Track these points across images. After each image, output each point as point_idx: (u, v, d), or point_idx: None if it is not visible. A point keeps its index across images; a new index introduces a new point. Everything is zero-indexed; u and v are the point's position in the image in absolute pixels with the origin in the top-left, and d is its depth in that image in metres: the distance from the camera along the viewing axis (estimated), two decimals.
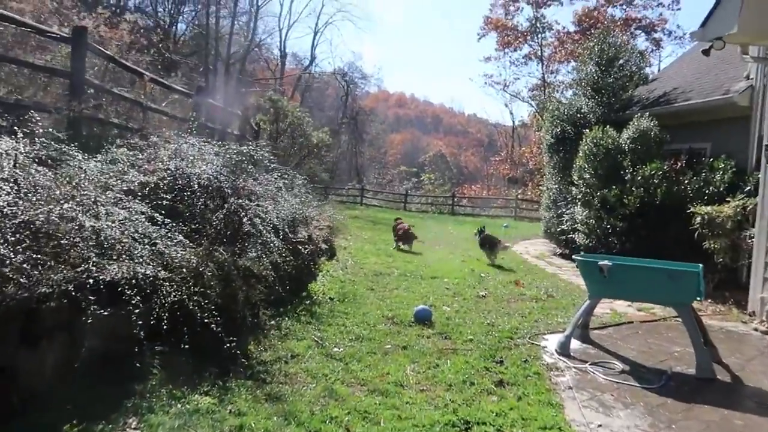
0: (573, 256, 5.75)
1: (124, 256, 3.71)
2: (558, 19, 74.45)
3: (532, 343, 5.30)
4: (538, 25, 41.69)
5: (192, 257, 4.25)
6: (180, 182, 5.24)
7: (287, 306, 5.86)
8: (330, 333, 5.26)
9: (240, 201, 5.48)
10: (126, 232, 3.82)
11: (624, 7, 39.45)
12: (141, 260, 3.74)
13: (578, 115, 12.41)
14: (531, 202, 31.43)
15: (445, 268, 9.64)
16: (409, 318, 5.98)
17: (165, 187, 5.09)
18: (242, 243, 5.23)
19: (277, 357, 4.46)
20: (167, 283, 3.72)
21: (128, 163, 5.27)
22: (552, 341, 5.36)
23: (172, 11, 34.94)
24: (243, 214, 5.32)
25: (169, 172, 5.29)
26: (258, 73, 43.98)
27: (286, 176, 8.86)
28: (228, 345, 3.87)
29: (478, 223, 21.29)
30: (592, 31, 22.44)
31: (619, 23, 37.33)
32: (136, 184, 4.97)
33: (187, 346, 3.75)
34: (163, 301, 3.64)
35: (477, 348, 5.04)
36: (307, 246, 7.14)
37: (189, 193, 5.18)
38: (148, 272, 3.72)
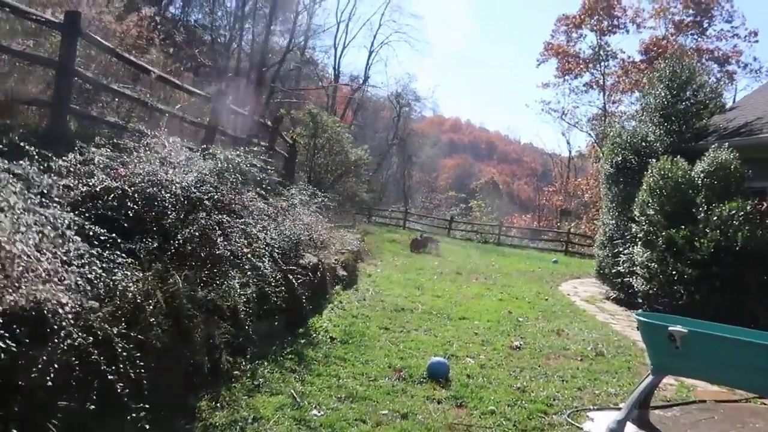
0: (634, 315, 4.52)
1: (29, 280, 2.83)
2: (623, 48, 72.22)
3: (573, 424, 4.08)
4: (601, 52, 40.08)
5: (130, 285, 3.32)
6: (151, 190, 4.38)
7: (274, 346, 4.86)
8: (316, 387, 4.22)
9: (220, 217, 4.56)
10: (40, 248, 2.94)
11: (696, 37, 37.38)
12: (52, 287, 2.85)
13: (643, 144, 11.05)
14: (584, 237, 29.59)
15: (479, 306, 8.44)
16: (422, 371, 4.87)
17: (135, 195, 4.24)
18: (214, 268, 4.29)
19: (233, 420, 3.46)
20: (72, 320, 2.78)
21: (101, 165, 4.47)
22: (599, 422, 4.12)
23: (232, 26, 35.42)
24: (219, 232, 4.38)
25: (140, 177, 4.45)
26: (311, 92, 44.04)
27: (303, 192, 8.00)
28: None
29: (525, 256, 19.88)
30: (660, 61, 20.92)
31: (689, 53, 35.24)
32: (98, 189, 4.15)
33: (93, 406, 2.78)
34: (61, 344, 2.70)
35: (498, 426, 3.88)
36: (311, 274, 6.17)
37: (157, 203, 4.30)
38: (64, 301, 2.83)
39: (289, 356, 4.75)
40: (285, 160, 13.92)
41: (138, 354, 2.99)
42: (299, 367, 4.60)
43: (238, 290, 4.22)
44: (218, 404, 3.62)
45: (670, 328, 3.60)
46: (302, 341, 5.26)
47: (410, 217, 31.71)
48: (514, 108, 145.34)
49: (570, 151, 46.63)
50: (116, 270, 3.34)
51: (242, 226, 4.91)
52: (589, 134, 41.50)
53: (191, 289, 3.79)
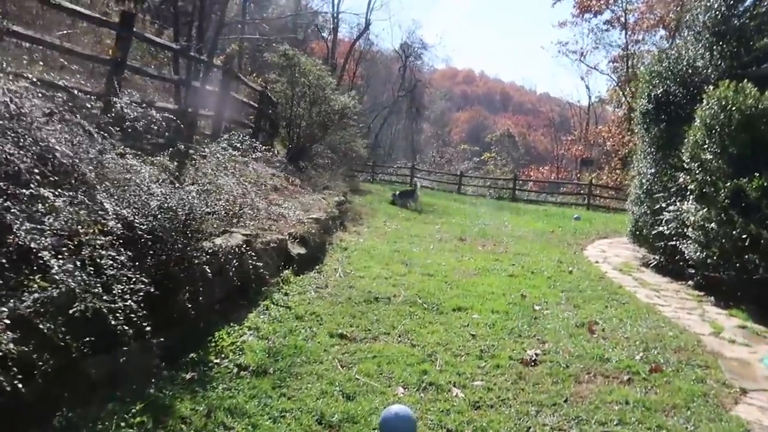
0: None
1: None
2: None
3: None
4: None
5: None
6: None
7: (112, 402, 2.91)
8: None
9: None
10: None
11: None
12: None
13: (689, 71, 8.71)
14: (608, 188, 27.24)
15: (481, 288, 6.42)
16: (373, 428, 2.92)
17: None
18: None
19: None
20: None
21: None
22: None
23: None
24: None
25: None
26: (312, 43, 41.27)
27: (234, 145, 5.95)
28: None
29: (543, 213, 17.71)
30: None
31: None
32: None
33: None
34: None
35: None
36: (227, 261, 4.18)
37: None
38: None
39: (136, 420, 2.79)
40: (257, 111, 11.80)
41: None
42: None
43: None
44: None
45: None
46: (181, 379, 3.30)
47: (417, 174, 29.50)
48: (529, 56, 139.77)
49: (590, 97, 43.60)
50: None
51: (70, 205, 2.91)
52: (611, 77, 38.48)
53: None
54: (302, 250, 6.28)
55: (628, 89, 36.21)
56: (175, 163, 5.06)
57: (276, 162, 11.97)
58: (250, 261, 4.55)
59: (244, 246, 4.64)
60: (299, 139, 13.16)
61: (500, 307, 5.64)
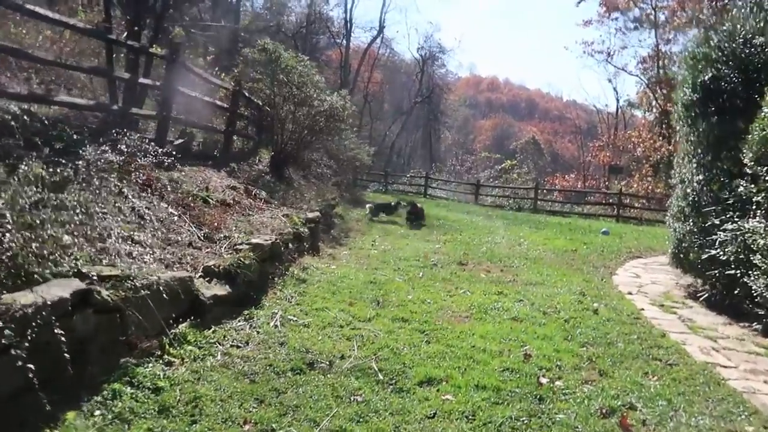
0: None
1: None
2: None
3: None
4: None
5: None
6: None
7: None
8: None
9: None
10: None
11: None
12: None
13: (746, 50, 6.83)
14: (638, 197, 25.06)
15: (471, 341, 4.65)
16: None
17: None
18: None
19: None
20: None
21: None
22: None
23: None
24: None
25: None
26: (324, 49, 39.96)
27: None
28: None
29: (566, 226, 15.76)
30: None
31: None
32: None
33: None
34: None
35: None
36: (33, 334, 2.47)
37: None
38: None
39: None
40: (229, 113, 10.25)
41: None
42: None
43: None
44: None
45: None
46: None
47: (432, 183, 27.70)
48: (554, 60, 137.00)
49: (617, 100, 41.36)
50: None
51: None
52: (640, 78, 36.19)
53: None
54: (223, 291, 4.60)
55: (659, 91, 33.95)
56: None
57: (253, 171, 10.42)
58: (90, 321, 2.90)
59: (76, 300, 2.98)
60: (284, 145, 11.54)
61: (490, 379, 3.86)
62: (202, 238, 5.45)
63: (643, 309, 6.39)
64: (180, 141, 8.32)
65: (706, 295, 6.83)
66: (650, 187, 30.93)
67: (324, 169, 16.02)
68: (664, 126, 33.34)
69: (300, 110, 11.54)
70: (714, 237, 6.37)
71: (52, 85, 7.79)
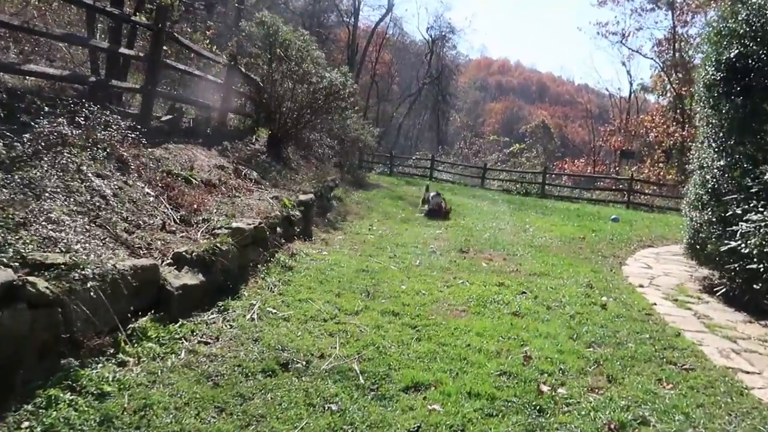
0: None
1: None
2: None
3: None
4: None
5: None
6: None
7: None
8: None
9: None
10: None
11: None
12: None
13: None
14: (650, 183, 24.43)
15: (466, 338, 4.24)
16: None
17: None
18: None
19: None
20: None
21: None
22: None
23: None
24: None
25: None
26: (332, 28, 39.16)
27: None
28: None
29: (574, 212, 15.25)
30: None
31: None
32: None
33: None
34: None
35: None
36: None
37: None
38: None
39: None
40: (224, 89, 9.78)
41: None
42: None
43: None
44: None
45: None
46: None
47: (438, 166, 27.14)
48: (566, 43, 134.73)
49: (631, 84, 40.42)
50: None
51: None
52: (655, 61, 35.24)
53: None
54: (194, 280, 4.19)
55: (674, 75, 33.04)
56: None
57: (248, 151, 9.98)
58: (22, 318, 2.50)
59: (4, 294, 2.57)
60: (282, 124, 11.07)
61: (484, 385, 3.44)
62: (178, 220, 5.03)
63: (655, 304, 5.94)
64: (168, 117, 7.87)
65: (724, 289, 6.35)
66: (662, 173, 30.23)
67: (326, 149, 15.54)
68: (678, 111, 32.54)
69: (299, 87, 11.05)
70: (735, 228, 5.88)
71: (32, 56, 7.35)
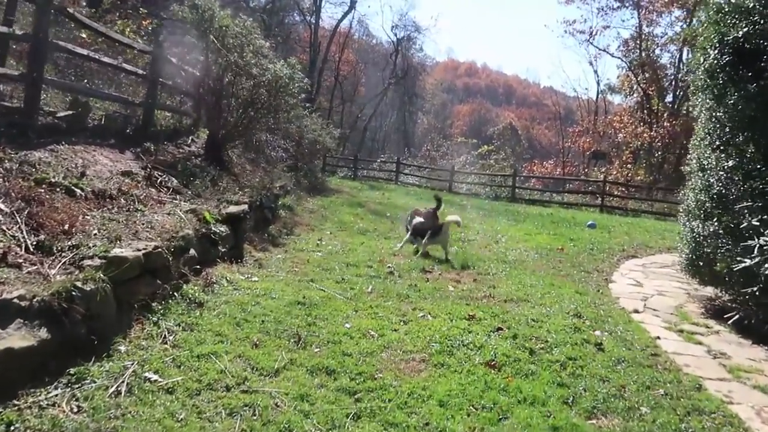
0: None
1: None
2: None
3: None
4: None
5: None
6: None
7: None
8: None
9: None
10: None
11: None
12: None
13: None
14: (621, 186, 23.79)
15: (424, 412, 3.02)
16: None
17: None
18: None
19: None
20: None
21: None
22: None
23: None
24: None
25: None
26: (293, 27, 37.71)
27: None
28: None
29: (548, 218, 14.23)
30: None
31: None
32: None
33: None
34: None
35: None
36: None
37: None
38: None
39: None
40: (149, 83, 8.38)
41: None
42: None
43: None
44: None
45: None
46: None
47: (404, 169, 25.98)
48: (533, 43, 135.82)
49: (598, 84, 40.02)
50: None
51: None
52: (623, 60, 34.87)
53: None
54: (28, 340, 2.85)
55: (641, 74, 32.69)
56: None
57: (179, 154, 8.61)
58: None
59: None
60: (223, 123, 9.69)
61: None
62: (32, 248, 3.68)
63: (658, 338, 4.84)
64: (68, 113, 6.46)
65: (737, 316, 5.29)
66: (630, 174, 29.76)
67: (280, 152, 14.23)
68: (645, 111, 32.19)
69: (240, 82, 9.71)
70: (751, 242, 4.81)
71: None
